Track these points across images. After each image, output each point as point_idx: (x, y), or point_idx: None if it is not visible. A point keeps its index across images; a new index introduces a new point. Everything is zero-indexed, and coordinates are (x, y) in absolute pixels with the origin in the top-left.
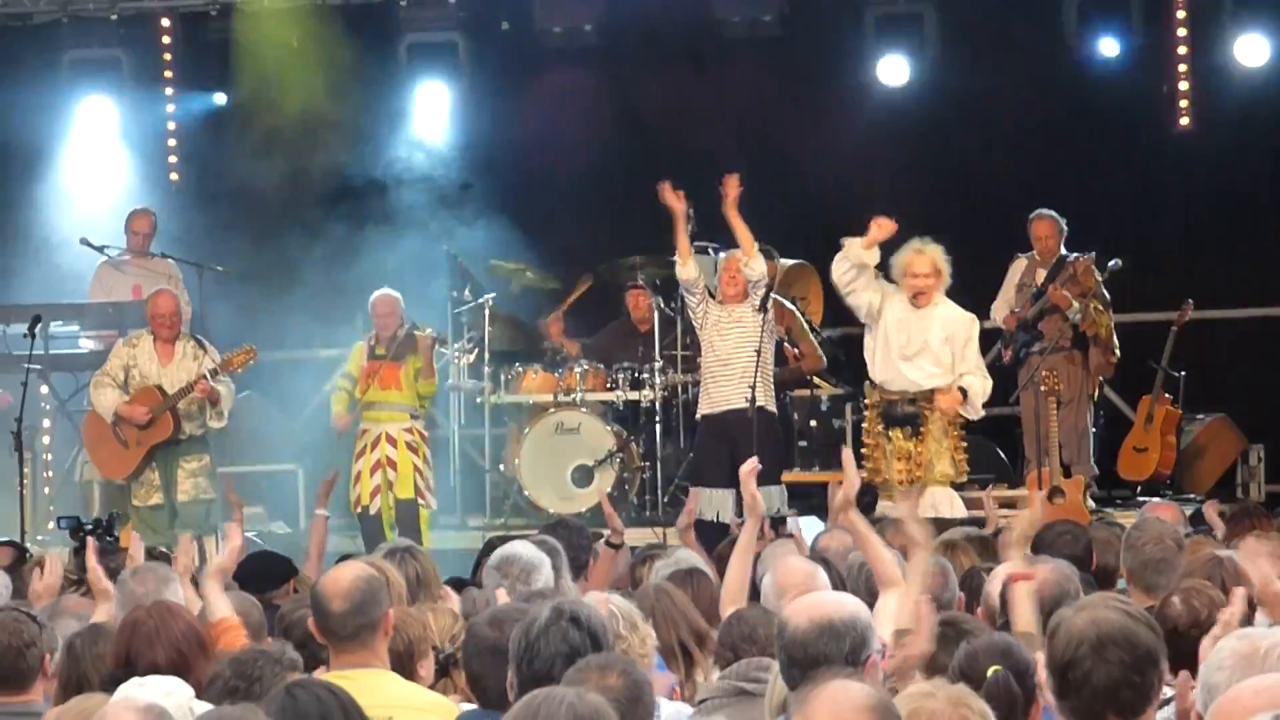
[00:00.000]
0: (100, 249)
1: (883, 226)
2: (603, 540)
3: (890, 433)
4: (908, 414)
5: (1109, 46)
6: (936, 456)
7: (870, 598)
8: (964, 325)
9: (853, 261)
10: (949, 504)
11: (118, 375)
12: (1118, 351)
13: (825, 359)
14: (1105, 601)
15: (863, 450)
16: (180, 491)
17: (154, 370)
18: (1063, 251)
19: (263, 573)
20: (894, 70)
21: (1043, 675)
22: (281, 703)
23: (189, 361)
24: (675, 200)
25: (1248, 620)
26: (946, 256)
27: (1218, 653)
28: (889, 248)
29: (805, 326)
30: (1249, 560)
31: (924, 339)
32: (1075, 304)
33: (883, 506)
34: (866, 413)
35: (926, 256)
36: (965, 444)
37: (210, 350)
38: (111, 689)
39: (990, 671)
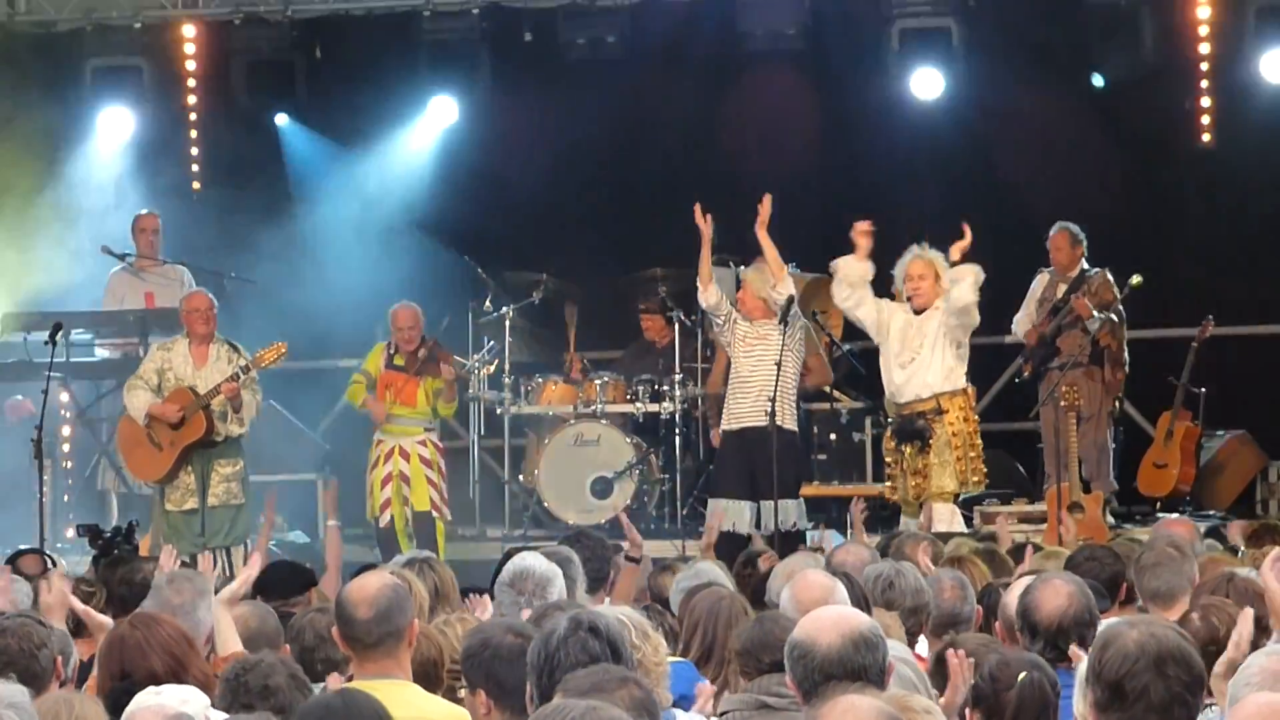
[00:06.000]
0: (121, 257)
1: (862, 232)
2: (622, 554)
3: (903, 448)
4: (917, 429)
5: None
6: (937, 470)
7: (888, 609)
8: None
9: (849, 278)
10: (947, 520)
11: (151, 379)
12: (1127, 367)
13: (833, 373)
14: (1157, 621)
15: (885, 468)
16: (211, 495)
17: (189, 372)
18: (1084, 266)
19: (283, 582)
20: (923, 84)
21: (1079, 689)
22: (328, 705)
23: (223, 364)
24: (704, 224)
25: (1256, 640)
26: (945, 264)
27: (1246, 668)
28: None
29: (815, 340)
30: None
31: (920, 342)
32: (1096, 314)
33: (905, 522)
34: (888, 429)
35: (922, 260)
36: (977, 454)
37: (243, 353)
38: (117, 699)
39: (1021, 675)
